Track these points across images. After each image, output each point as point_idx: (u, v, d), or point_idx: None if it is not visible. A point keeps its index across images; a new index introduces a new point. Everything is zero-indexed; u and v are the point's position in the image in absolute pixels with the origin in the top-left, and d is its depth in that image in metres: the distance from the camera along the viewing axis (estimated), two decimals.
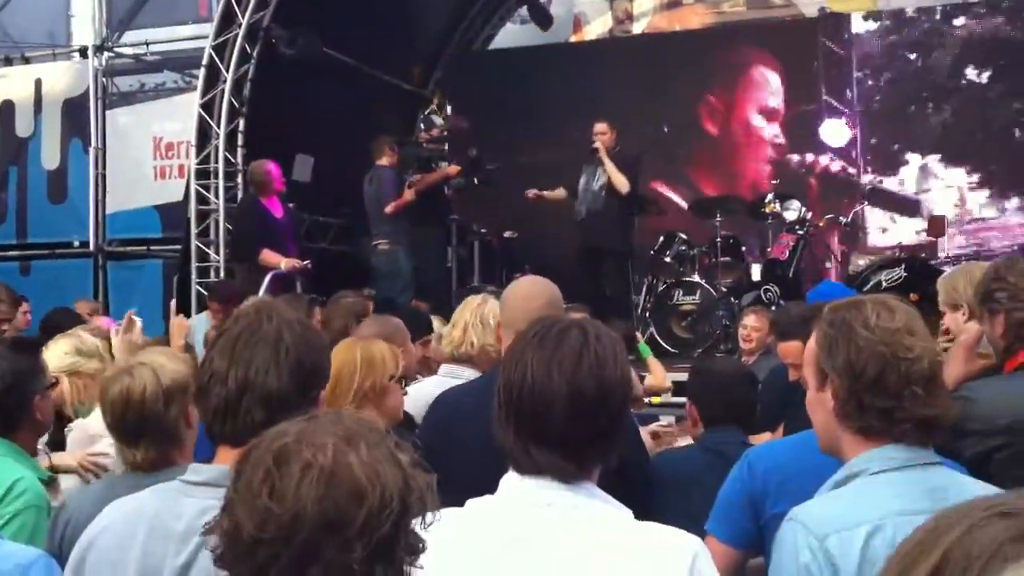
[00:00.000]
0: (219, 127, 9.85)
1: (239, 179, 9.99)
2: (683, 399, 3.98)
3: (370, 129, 9.74)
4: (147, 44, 12.60)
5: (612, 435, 1.81)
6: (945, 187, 11.05)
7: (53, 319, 6.12)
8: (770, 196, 9.34)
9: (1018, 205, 10.78)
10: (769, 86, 11.54)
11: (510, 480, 1.81)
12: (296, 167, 10.21)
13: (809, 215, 9.23)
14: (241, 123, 9.97)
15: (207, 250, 10.02)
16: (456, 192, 11.21)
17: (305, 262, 8.49)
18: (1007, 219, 10.80)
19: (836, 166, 11.17)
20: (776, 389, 4.12)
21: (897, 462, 1.91)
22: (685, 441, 4.09)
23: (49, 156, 12.22)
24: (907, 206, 11.10)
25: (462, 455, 2.62)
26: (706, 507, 2.65)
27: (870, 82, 11.44)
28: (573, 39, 12.36)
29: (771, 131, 11.51)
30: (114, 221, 11.67)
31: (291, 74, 9.77)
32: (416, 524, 1.37)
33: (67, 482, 3.29)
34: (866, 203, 10.86)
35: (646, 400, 5.69)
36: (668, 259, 9.37)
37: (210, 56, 9.87)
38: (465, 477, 1.95)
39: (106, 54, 12.26)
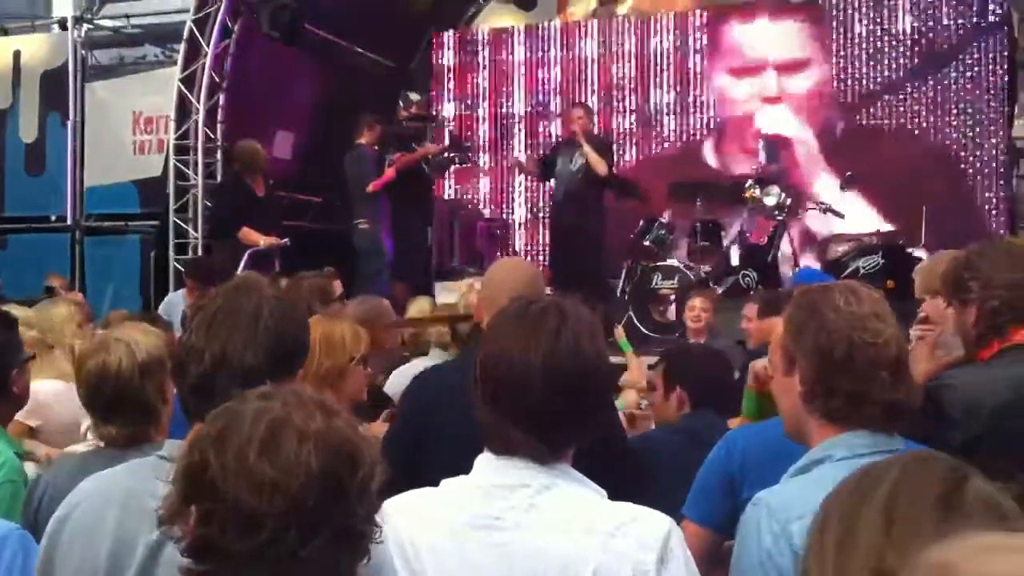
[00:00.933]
0: (199, 102, 9.77)
1: (218, 155, 9.93)
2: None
3: (352, 106, 9.68)
4: (127, 17, 12.47)
5: (588, 414, 1.82)
6: None
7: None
8: (750, 182, 9.37)
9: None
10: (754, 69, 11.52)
11: (484, 460, 1.82)
12: (275, 144, 10.17)
13: (788, 201, 9.26)
14: (221, 98, 9.91)
15: (185, 226, 9.96)
16: (435, 170, 11.18)
17: (283, 240, 8.49)
18: None
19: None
20: None
21: (862, 448, 1.90)
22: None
23: (27, 129, 12.07)
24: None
25: (447, 434, 2.62)
26: (687, 491, 2.66)
27: None
28: (558, 19, 12.31)
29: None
30: (92, 196, 11.54)
31: (272, 49, 9.70)
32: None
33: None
34: (846, 189, 10.87)
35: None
36: (647, 243, 9.39)
37: (191, 30, 9.76)
38: (450, 455, 1.94)
39: (86, 26, 12.10)
